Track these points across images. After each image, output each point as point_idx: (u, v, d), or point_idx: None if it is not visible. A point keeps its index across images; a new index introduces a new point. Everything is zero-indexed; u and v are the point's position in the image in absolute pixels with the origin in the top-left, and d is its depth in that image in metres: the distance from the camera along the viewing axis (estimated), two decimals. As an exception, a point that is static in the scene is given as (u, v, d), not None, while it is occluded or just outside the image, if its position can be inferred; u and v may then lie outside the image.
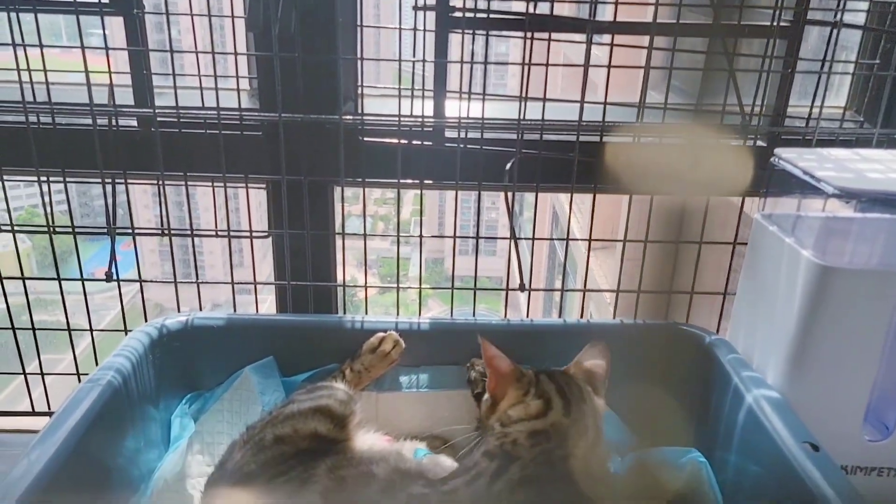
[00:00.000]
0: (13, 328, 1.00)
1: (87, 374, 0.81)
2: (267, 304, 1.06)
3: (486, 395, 0.81)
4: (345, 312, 1.02)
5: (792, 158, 0.86)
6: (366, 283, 1.01)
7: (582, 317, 1.02)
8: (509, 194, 0.98)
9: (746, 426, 0.80)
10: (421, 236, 1.01)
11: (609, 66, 0.95)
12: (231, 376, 0.93)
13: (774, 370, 0.83)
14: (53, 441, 0.69)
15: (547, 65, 0.95)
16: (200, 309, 0.98)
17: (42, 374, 1.03)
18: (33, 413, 1.05)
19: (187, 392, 0.93)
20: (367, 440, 0.82)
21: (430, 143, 1.00)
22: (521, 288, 0.98)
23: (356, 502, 0.68)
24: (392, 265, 1.02)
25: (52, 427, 0.71)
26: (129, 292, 1.06)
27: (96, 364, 0.84)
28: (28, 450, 0.68)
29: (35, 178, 0.94)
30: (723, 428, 0.85)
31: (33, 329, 1.02)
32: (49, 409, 1.05)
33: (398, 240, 0.99)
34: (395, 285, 1.02)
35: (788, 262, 0.82)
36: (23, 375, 1.03)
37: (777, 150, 0.90)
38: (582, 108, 0.95)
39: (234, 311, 1.00)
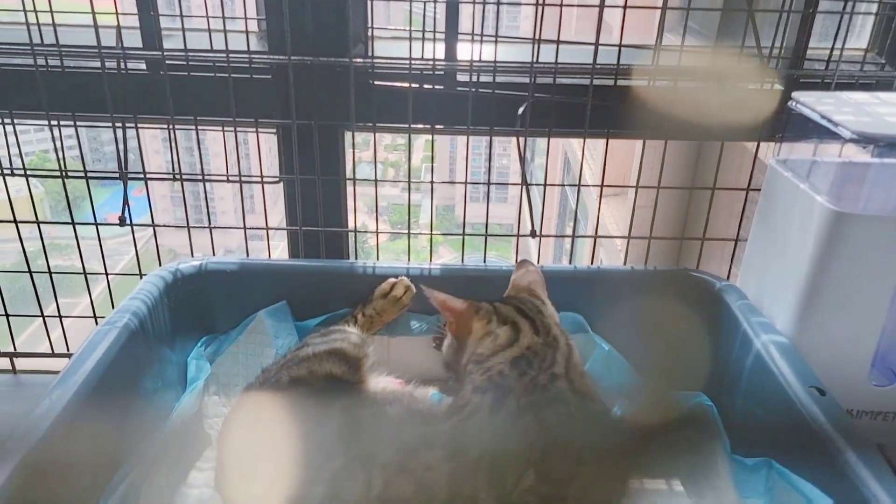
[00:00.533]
0: (30, 271, 1.02)
1: (103, 317, 0.83)
2: (279, 251, 1.07)
3: (448, 340, 0.82)
4: (356, 258, 1.02)
5: (810, 102, 0.84)
6: (377, 228, 1.01)
7: (592, 263, 1.02)
8: (521, 140, 0.97)
9: (754, 371, 0.81)
10: (432, 182, 1.00)
11: (624, 7, 0.92)
12: (245, 320, 0.95)
13: (784, 316, 0.84)
14: (73, 381, 0.71)
15: (561, 5, 0.92)
16: (213, 254, 0.99)
17: (60, 316, 1.05)
18: (52, 354, 1.08)
19: (202, 335, 0.95)
20: (380, 383, 0.84)
21: (442, 87, 0.99)
22: (532, 234, 0.98)
23: (369, 440, 0.70)
24: (403, 212, 1.02)
25: (71, 368, 0.72)
26: (143, 238, 1.06)
27: (112, 307, 0.85)
28: (49, 390, 0.69)
29: (45, 123, 0.93)
30: (731, 373, 0.86)
31: (49, 273, 1.03)
32: (68, 350, 1.07)
33: (409, 186, 0.98)
34: (407, 231, 1.02)
35: (802, 208, 0.81)
36: (41, 318, 1.05)
37: (795, 94, 0.88)
38: (596, 51, 0.93)
39: (247, 256, 1.00)
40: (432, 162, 1.03)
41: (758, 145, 1.00)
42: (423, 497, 0.63)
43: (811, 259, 0.79)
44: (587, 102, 0.95)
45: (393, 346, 0.96)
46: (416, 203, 1.06)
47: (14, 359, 1.07)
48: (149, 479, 0.79)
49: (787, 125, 0.91)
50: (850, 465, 0.63)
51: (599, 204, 1.01)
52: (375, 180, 0.98)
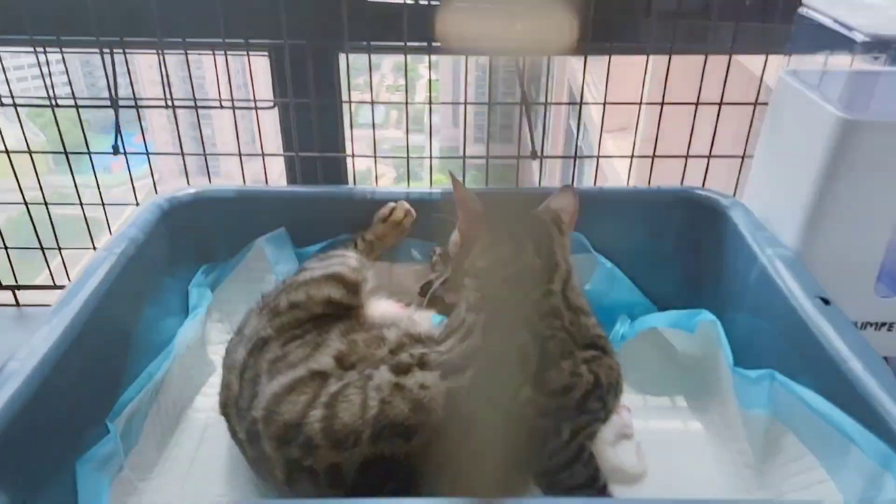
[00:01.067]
0: (25, 202, 1.01)
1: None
2: (276, 176, 1.05)
3: (455, 235, 0.82)
4: (354, 184, 1.01)
5: (821, 7, 0.81)
6: (374, 153, 0.99)
7: (595, 184, 1.00)
8: (520, 59, 0.94)
9: (758, 285, 0.80)
10: (430, 103, 0.98)
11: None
12: (244, 248, 0.94)
13: (790, 231, 0.82)
14: (72, 307, 0.70)
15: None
16: (209, 181, 0.97)
17: (59, 248, 1.05)
18: (54, 286, 1.08)
19: (202, 263, 0.94)
20: (379, 307, 0.83)
21: (438, 3, 0.95)
22: (534, 155, 0.96)
23: (365, 364, 0.69)
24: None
25: (69, 293, 0.72)
26: (143, 188, 1.04)
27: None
28: (48, 316, 0.69)
29: (31, 49, 0.91)
30: (735, 289, 0.85)
31: (46, 204, 1.02)
32: (70, 282, 1.07)
33: (406, 107, 0.96)
34: (406, 155, 1.00)
35: (812, 118, 0.78)
36: (40, 250, 1.04)
37: (806, 0, 0.84)
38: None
39: (244, 183, 0.99)
40: (430, 86, 1.00)
41: (766, 59, 0.97)
42: (419, 416, 0.63)
43: (820, 170, 0.77)
44: (590, 17, 0.91)
45: (394, 272, 0.96)
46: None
47: (17, 292, 1.07)
48: (155, 403, 0.80)
49: (796, 35, 0.88)
50: (855, 375, 0.63)
51: (602, 120, 0.97)
52: (372, 101, 0.96)
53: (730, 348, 0.80)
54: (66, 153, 0.99)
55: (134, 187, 1.02)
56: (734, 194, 0.96)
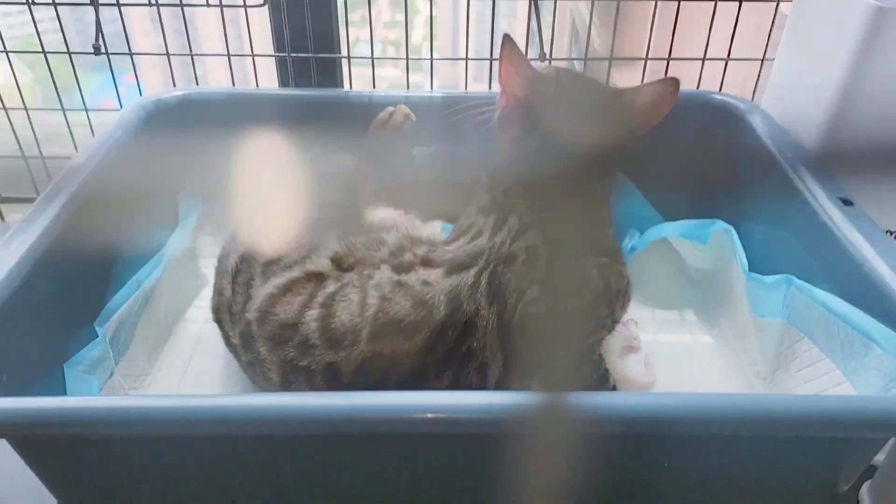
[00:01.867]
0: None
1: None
2: (266, 84, 0.99)
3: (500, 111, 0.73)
4: (351, 87, 0.96)
5: None
6: (371, 54, 0.94)
7: (612, 54, 0.94)
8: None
9: (777, 191, 0.76)
10: (431, 6, 0.92)
11: None
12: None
13: (812, 133, 0.78)
14: (54, 205, 0.66)
15: None
16: (197, 84, 0.92)
17: (42, 157, 1.00)
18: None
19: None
20: (378, 213, 0.80)
21: None
22: (542, 57, 0.90)
23: (364, 265, 0.66)
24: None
25: (51, 192, 0.68)
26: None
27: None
28: (30, 213, 0.65)
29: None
30: (751, 197, 0.82)
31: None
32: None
33: (406, 5, 0.90)
34: (405, 56, 0.94)
35: (840, 9, 0.73)
36: (23, 159, 1.00)
37: None
38: None
39: (233, 85, 0.94)
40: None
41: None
42: (421, 313, 0.60)
43: (847, 65, 0.72)
44: None
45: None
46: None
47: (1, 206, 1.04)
48: (146, 312, 0.77)
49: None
50: (879, 275, 0.60)
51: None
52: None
53: (745, 254, 0.77)
54: (43, 52, 0.93)
55: (116, 85, 0.97)
56: (752, 97, 0.91)
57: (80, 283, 0.68)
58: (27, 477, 0.54)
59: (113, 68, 0.94)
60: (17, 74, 0.94)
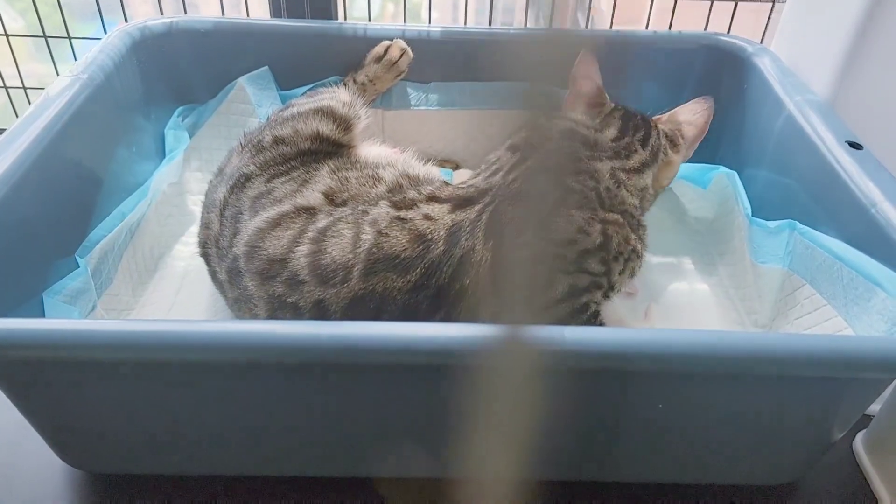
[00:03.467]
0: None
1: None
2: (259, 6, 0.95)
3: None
4: (345, 19, 0.92)
5: None
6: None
7: (612, 26, 0.92)
8: None
9: (783, 135, 0.74)
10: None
11: None
12: (224, 88, 0.87)
13: (822, 76, 0.75)
14: (34, 127, 0.63)
15: None
16: (185, 11, 0.88)
17: (24, 87, 0.96)
18: None
19: (179, 104, 0.87)
20: (374, 150, 0.77)
21: None
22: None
23: (359, 201, 0.64)
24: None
25: (32, 114, 0.65)
26: None
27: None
28: (6, 136, 0.62)
29: None
30: (756, 142, 0.79)
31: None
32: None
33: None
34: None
35: (859, -55, 0.70)
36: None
37: None
38: None
39: (222, 14, 0.90)
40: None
41: None
42: (417, 248, 0.58)
43: (861, 7, 0.69)
44: None
45: (388, 119, 0.89)
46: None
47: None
48: (130, 246, 0.74)
49: None
50: (886, 217, 0.58)
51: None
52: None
53: (748, 200, 0.75)
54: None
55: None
56: (761, 40, 0.88)
57: (60, 211, 0.65)
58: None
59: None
60: (7, 23, 0.90)
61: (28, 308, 0.60)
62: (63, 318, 0.60)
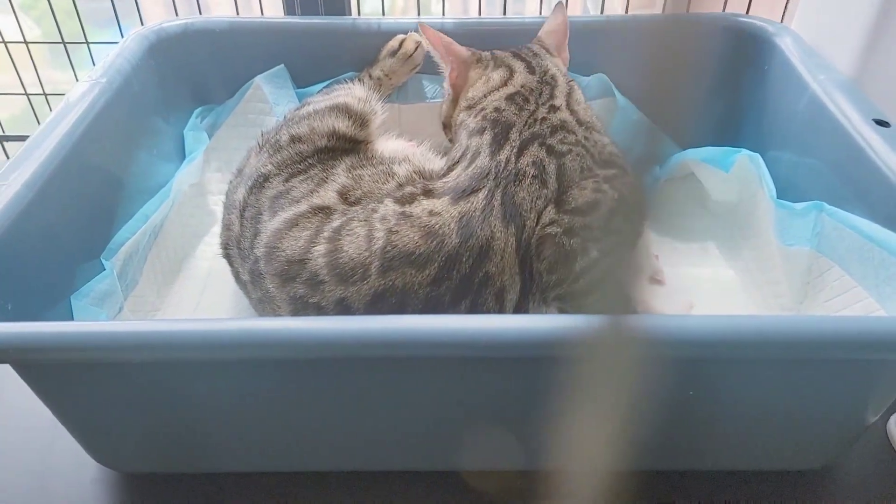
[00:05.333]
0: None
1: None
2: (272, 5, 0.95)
3: (445, 94, 0.76)
4: (359, 14, 0.92)
5: None
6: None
7: (627, 11, 0.91)
8: None
9: (807, 115, 0.73)
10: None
11: None
12: (241, 88, 0.87)
13: (846, 55, 0.74)
14: (57, 133, 0.64)
15: None
16: (200, 12, 0.88)
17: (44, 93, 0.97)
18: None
19: (196, 105, 0.87)
20: (390, 145, 0.77)
21: None
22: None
23: (371, 198, 0.63)
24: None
25: (53, 120, 0.66)
26: None
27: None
28: (31, 142, 0.63)
29: None
30: (779, 124, 0.78)
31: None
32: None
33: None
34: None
35: (881, -82, 0.68)
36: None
37: None
38: None
39: (237, 14, 0.90)
40: None
41: None
42: (432, 243, 0.58)
43: (886, -21, 0.68)
44: None
45: (404, 113, 0.88)
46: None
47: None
48: (154, 247, 0.75)
49: None
50: (916, 195, 0.57)
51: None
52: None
53: (772, 181, 0.73)
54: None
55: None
56: (781, 20, 0.87)
57: (85, 214, 0.66)
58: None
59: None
60: (25, 31, 0.91)
61: (57, 311, 0.60)
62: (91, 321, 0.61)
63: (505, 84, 0.70)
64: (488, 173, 0.61)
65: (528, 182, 0.61)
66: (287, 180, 0.68)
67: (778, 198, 0.73)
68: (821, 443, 0.56)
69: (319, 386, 0.52)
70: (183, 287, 0.78)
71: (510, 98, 0.68)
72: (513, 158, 0.62)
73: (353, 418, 0.54)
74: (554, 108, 0.67)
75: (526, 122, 0.65)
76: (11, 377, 0.50)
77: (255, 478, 0.58)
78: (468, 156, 0.65)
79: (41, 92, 0.97)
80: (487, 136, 0.65)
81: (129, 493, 0.58)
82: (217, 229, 0.81)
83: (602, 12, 0.92)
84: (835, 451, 0.58)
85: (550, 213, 0.59)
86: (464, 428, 0.54)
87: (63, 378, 0.51)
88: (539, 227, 0.59)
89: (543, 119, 0.66)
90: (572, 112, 0.67)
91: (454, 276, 0.57)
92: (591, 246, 0.59)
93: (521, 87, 0.69)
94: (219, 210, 0.80)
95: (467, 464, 0.57)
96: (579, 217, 0.60)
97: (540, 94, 0.68)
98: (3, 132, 1.02)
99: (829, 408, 0.53)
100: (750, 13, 0.86)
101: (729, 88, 0.84)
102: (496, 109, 0.67)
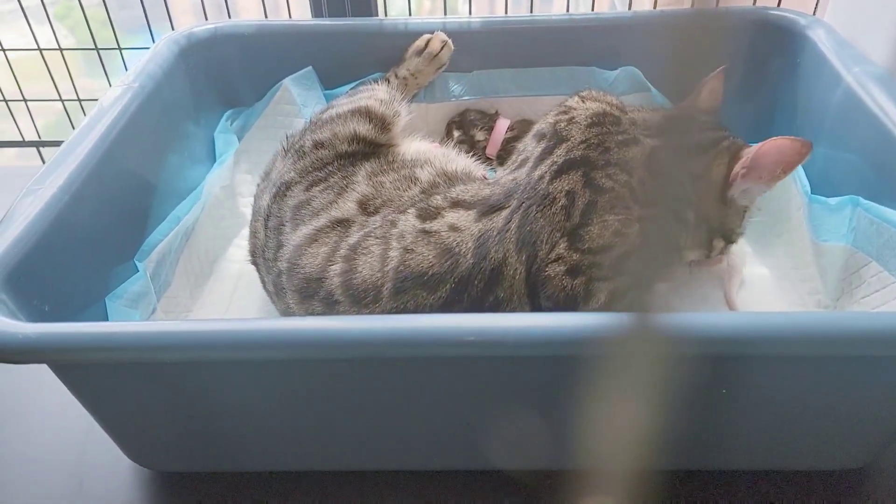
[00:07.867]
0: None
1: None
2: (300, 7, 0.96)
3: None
4: (386, 15, 0.92)
5: None
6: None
7: (655, 6, 0.90)
8: None
9: (841, 109, 0.71)
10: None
11: None
12: (269, 90, 0.88)
13: (880, 46, 0.72)
14: (91, 136, 0.65)
15: None
16: (229, 16, 0.90)
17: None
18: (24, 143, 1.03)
19: (226, 108, 0.88)
20: (413, 146, 0.76)
21: None
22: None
23: (390, 209, 0.63)
24: None
25: (88, 125, 0.67)
26: None
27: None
28: (66, 146, 0.64)
29: None
30: (812, 119, 0.77)
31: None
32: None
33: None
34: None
35: None
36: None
37: None
38: None
39: (265, 17, 0.91)
40: None
41: None
42: (446, 263, 0.57)
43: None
44: None
45: (432, 112, 0.89)
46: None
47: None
48: (186, 249, 0.76)
49: None
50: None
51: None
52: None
53: (805, 177, 0.72)
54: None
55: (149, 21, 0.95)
56: (814, 12, 0.85)
57: (118, 217, 0.67)
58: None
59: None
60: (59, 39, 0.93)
61: (92, 313, 0.61)
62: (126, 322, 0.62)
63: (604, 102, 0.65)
64: (517, 189, 0.60)
65: (554, 210, 0.58)
66: (308, 189, 0.67)
67: (812, 193, 0.71)
68: (860, 441, 0.55)
69: (352, 386, 0.52)
70: (214, 288, 0.79)
71: (595, 115, 0.63)
72: (546, 177, 0.60)
73: (385, 417, 0.54)
74: (629, 142, 0.62)
75: (586, 140, 0.61)
76: (49, 377, 0.51)
77: (291, 476, 0.59)
78: (518, 160, 0.64)
79: (75, 97, 0.99)
80: (541, 147, 0.62)
81: (163, 492, 0.59)
82: (247, 231, 0.82)
83: (630, 9, 0.91)
84: (875, 450, 0.56)
85: (561, 247, 0.57)
86: (495, 427, 0.54)
87: (98, 378, 0.52)
88: (546, 261, 0.57)
89: (606, 149, 0.61)
90: (653, 162, 0.62)
91: (465, 300, 0.57)
92: (599, 287, 0.57)
93: (616, 108, 0.65)
94: (248, 212, 0.81)
95: (497, 463, 0.57)
96: (587, 256, 0.57)
97: (626, 127, 0.63)
98: (40, 137, 1.05)
99: (867, 405, 0.52)
100: (781, 6, 0.84)
101: (760, 83, 0.83)
102: (571, 121, 0.63)
